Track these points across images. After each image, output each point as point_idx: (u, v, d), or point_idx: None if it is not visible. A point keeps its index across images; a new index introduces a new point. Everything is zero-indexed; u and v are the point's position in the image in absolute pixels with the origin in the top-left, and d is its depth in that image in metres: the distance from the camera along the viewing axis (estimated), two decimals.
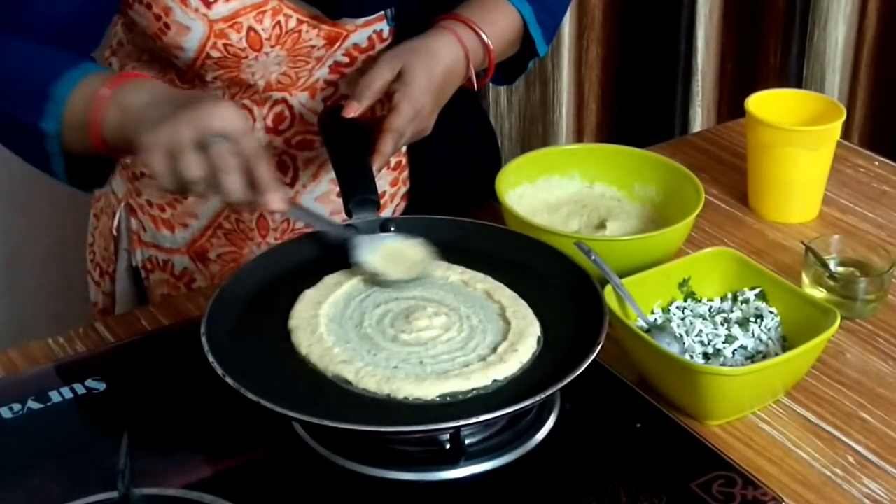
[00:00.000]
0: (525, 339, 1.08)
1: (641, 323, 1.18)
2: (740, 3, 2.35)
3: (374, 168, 1.22)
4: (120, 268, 1.47)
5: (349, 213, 1.19)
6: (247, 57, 1.25)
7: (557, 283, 1.16)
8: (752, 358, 1.16)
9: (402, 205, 1.48)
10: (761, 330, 1.18)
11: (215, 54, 1.24)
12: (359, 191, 1.20)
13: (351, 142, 1.25)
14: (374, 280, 1.15)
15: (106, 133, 1.12)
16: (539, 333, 1.10)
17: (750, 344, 1.17)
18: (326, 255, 1.19)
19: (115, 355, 1.21)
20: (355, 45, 1.31)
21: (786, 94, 1.51)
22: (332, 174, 1.26)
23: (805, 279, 1.30)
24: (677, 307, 1.22)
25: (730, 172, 1.56)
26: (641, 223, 1.38)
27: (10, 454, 1.06)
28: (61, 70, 1.15)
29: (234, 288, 1.14)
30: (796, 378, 1.15)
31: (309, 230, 1.21)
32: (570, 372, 1.02)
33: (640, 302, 1.19)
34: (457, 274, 1.17)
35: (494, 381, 1.04)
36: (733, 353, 1.17)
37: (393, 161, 1.43)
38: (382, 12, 1.30)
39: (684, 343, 1.17)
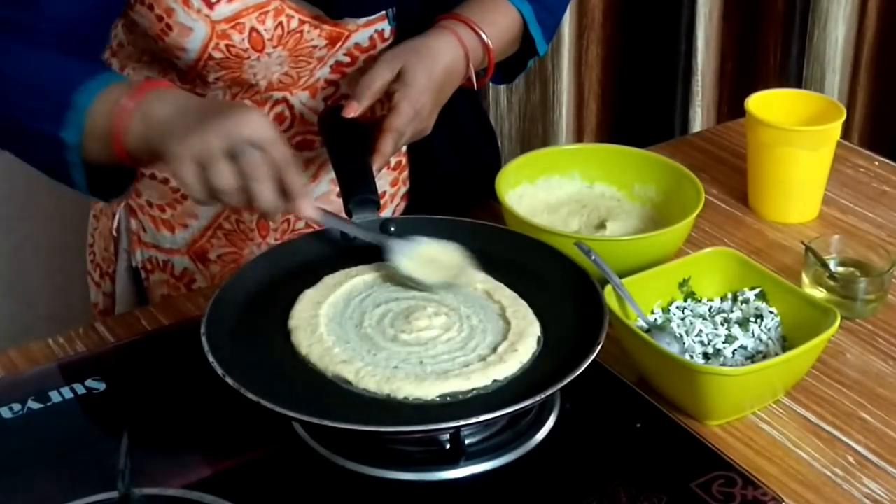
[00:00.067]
0: (525, 339, 1.08)
1: (641, 323, 1.18)
2: (740, 3, 2.35)
3: (374, 168, 1.22)
4: (120, 268, 1.47)
5: (349, 213, 1.19)
6: (249, 58, 1.25)
7: (557, 283, 1.16)
8: (752, 358, 1.16)
9: (402, 205, 1.48)
10: (761, 330, 1.18)
11: (217, 55, 1.24)
12: (359, 191, 1.20)
13: (351, 142, 1.25)
14: (410, 284, 1.14)
15: (130, 144, 1.11)
16: (539, 333, 1.10)
17: (750, 344, 1.17)
18: (326, 255, 1.19)
19: (115, 355, 1.21)
20: (357, 45, 1.31)
21: (786, 94, 1.51)
22: (332, 174, 1.26)
23: (805, 279, 1.30)
24: (677, 307, 1.22)
25: (730, 172, 1.56)
26: (641, 223, 1.38)
27: (10, 454, 1.06)
28: (81, 79, 1.13)
29: (234, 288, 1.14)
30: (796, 378, 1.15)
31: (309, 230, 1.21)
32: (570, 372, 1.02)
33: (640, 302, 1.19)
34: None
35: (494, 381, 1.04)
36: (733, 353, 1.17)
37: (393, 161, 1.43)
38: (384, 12, 1.30)
39: (684, 343, 1.17)
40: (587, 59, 2.24)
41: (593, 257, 1.21)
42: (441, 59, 1.28)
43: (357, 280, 1.16)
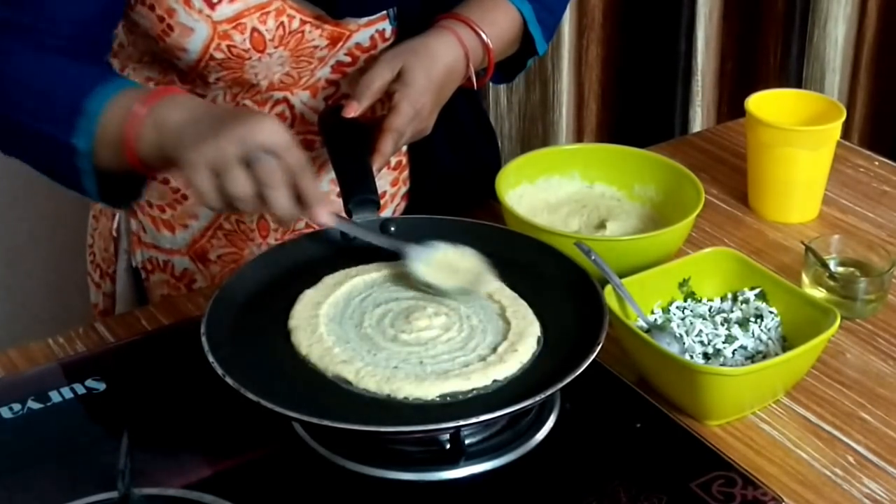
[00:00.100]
0: (525, 339, 1.08)
1: (641, 323, 1.18)
2: (740, 3, 2.35)
3: (375, 168, 1.22)
4: (120, 269, 1.47)
5: (349, 213, 1.19)
6: (250, 58, 1.24)
7: (557, 283, 1.16)
8: (752, 358, 1.16)
9: (403, 205, 1.48)
10: (761, 330, 1.18)
11: (219, 55, 1.24)
12: (359, 191, 1.20)
13: (351, 142, 1.25)
14: (427, 290, 1.14)
15: (142, 152, 1.10)
16: (539, 333, 1.10)
17: (750, 344, 1.17)
18: (326, 255, 1.19)
19: (115, 355, 1.21)
20: (358, 45, 1.31)
21: (786, 94, 1.51)
22: (332, 174, 1.25)
23: (805, 279, 1.30)
24: (677, 307, 1.22)
25: (730, 172, 1.56)
26: (641, 223, 1.38)
27: (10, 454, 1.06)
28: (92, 84, 1.12)
29: (234, 288, 1.14)
30: (796, 378, 1.15)
31: (309, 230, 1.21)
32: (570, 372, 1.02)
33: (640, 302, 1.19)
34: None
35: (494, 381, 1.04)
36: (733, 353, 1.17)
37: (393, 161, 1.43)
38: (385, 12, 1.30)
39: (684, 343, 1.17)
40: (587, 59, 2.24)
41: (593, 257, 1.21)
42: (441, 59, 1.28)
43: (357, 280, 1.16)
